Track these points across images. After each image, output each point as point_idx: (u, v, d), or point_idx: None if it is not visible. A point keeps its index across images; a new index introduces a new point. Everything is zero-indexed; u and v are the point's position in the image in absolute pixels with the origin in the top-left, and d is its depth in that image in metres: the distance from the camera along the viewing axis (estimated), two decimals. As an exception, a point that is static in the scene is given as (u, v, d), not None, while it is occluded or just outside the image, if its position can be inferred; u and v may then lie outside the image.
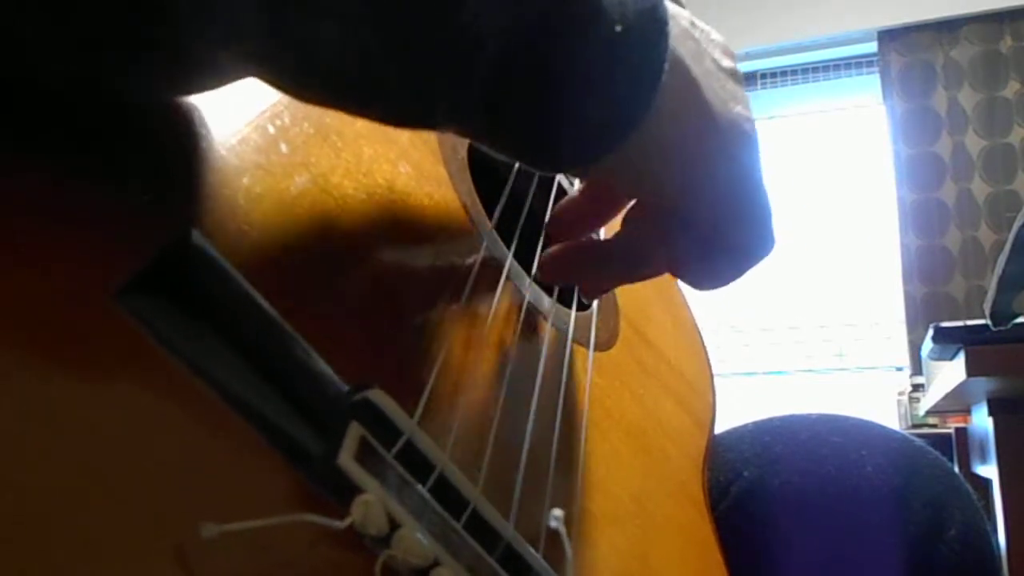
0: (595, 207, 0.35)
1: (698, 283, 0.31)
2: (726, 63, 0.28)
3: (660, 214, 0.30)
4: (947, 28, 2.62)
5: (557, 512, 0.26)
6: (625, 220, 0.33)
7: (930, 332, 0.95)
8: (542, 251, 0.37)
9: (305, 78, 0.19)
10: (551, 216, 0.36)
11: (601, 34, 0.21)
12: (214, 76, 0.22)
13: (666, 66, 0.23)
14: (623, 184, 0.27)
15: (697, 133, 0.25)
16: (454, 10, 0.18)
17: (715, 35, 0.28)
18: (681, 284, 0.56)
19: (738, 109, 0.27)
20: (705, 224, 0.28)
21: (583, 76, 0.21)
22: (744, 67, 2.78)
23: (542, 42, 0.20)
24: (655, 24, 0.22)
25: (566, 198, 0.36)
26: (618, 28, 0.21)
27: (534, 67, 0.20)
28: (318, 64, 0.19)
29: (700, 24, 0.27)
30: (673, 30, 0.23)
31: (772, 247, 0.30)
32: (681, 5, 0.29)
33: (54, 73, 0.20)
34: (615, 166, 0.24)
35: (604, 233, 0.40)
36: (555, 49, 0.20)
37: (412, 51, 0.18)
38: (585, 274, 0.36)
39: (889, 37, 2.68)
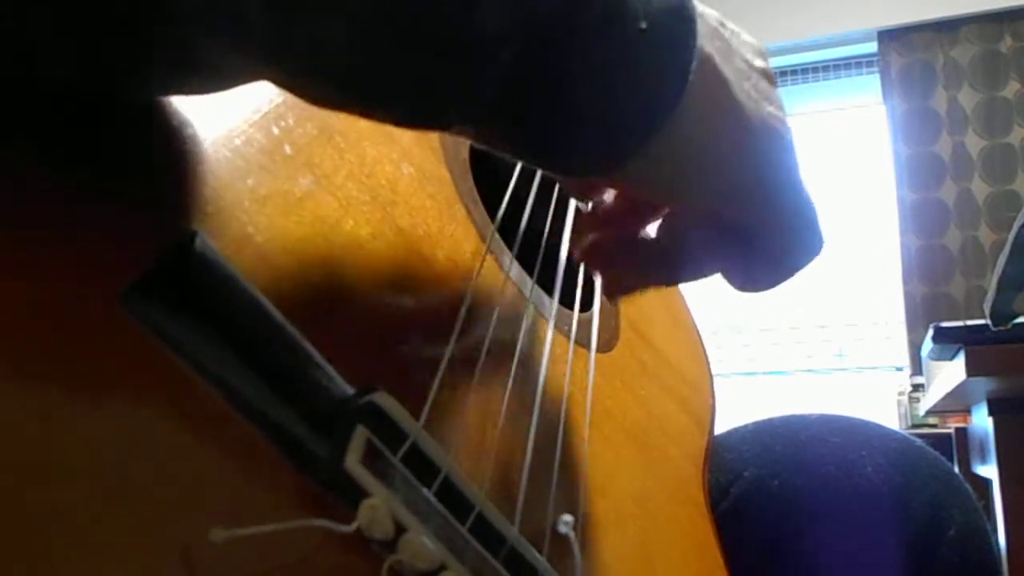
0: (632, 208, 0.33)
1: (743, 287, 0.30)
2: (758, 63, 0.26)
3: (695, 219, 0.29)
4: (947, 28, 2.62)
5: (567, 518, 0.26)
6: (664, 221, 0.32)
7: (930, 332, 0.95)
8: (548, 241, 0.36)
9: (315, 80, 0.19)
10: (584, 214, 0.34)
11: (624, 32, 0.20)
12: (223, 77, 0.21)
13: (694, 65, 0.22)
14: (651, 189, 0.26)
15: (728, 134, 0.24)
16: (469, 7, 0.17)
17: (746, 36, 0.27)
18: (683, 284, 0.56)
19: (771, 109, 0.26)
20: (743, 229, 0.27)
21: (605, 76, 0.20)
22: (744, 67, 2.77)
23: (561, 41, 0.19)
24: (682, 22, 0.21)
25: (599, 202, 0.34)
26: (642, 25, 0.20)
27: (552, 67, 0.19)
28: (328, 65, 0.18)
29: (730, 24, 0.26)
30: (701, 28, 0.22)
31: (820, 249, 0.28)
32: None
33: (60, 75, 0.20)
34: (642, 170, 0.23)
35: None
36: (575, 48, 0.19)
37: (425, 51, 0.18)
38: (622, 267, 0.33)
39: (889, 37, 2.68)
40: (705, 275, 0.31)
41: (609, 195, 0.33)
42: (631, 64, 0.20)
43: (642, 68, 0.21)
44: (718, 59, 0.24)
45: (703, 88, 0.23)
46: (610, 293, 0.35)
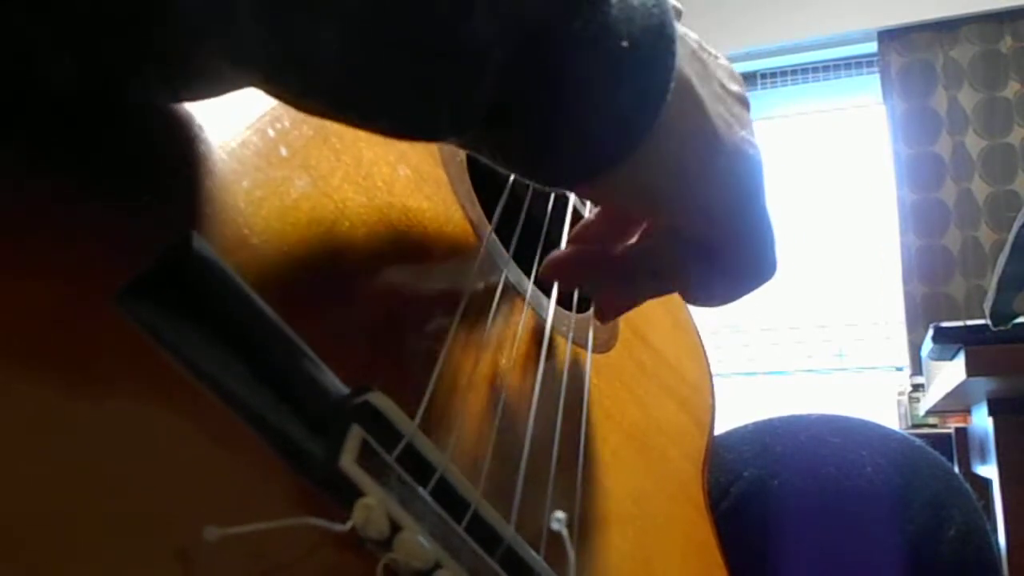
0: (613, 227, 0.35)
1: (697, 301, 0.31)
2: (733, 87, 0.28)
3: (662, 232, 0.30)
4: (947, 28, 2.62)
5: (559, 514, 0.27)
6: (640, 238, 0.33)
7: (930, 332, 0.96)
8: (545, 242, 0.37)
9: (308, 89, 0.19)
10: (569, 240, 0.36)
11: (607, 50, 0.20)
12: (216, 85, 0.21)
13: (672, 84, 0.23)
14: (623, 200, 0.27)
15: (700, 153, 0.25)
16: (460, 21, 0.18)
17: (723, 60, 0.28)
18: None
19: (743, 133, 0.27)
20: (705, 245, 0.28)
21: (587, 91, 0.21)
22: (744, 67, 2.78)
23: (547, 56, 0.20)
24: (662, 41, 0.22)
25: (584, 220, 0.35)
26: (624, 44, 0.21)
27: (538, 81, 0.20)
28: (321, 75, 0.18)
29: (708, 47, 0.27)
30: (680, 50, 0.23)
31: (772, 274, 0.30)
32: (680, 12, 0.29)
33: (57, 76, 0.20)
34: (617, 182, 0.24)
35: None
36: (560, 63, 0.20)
37: (416, 62, 0.18)
38: (591, 282, 0.35)
39: (889, 37, 2.68)
40: (667, 292, 0.34)
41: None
42: (612, 80, 0.21)
43: (622, 85, 0.21)
44: (695, 81, 0.25)
45: (679, 107, 0.24)
46: (602, 315, 0.37)
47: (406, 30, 0.18)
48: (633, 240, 0.34)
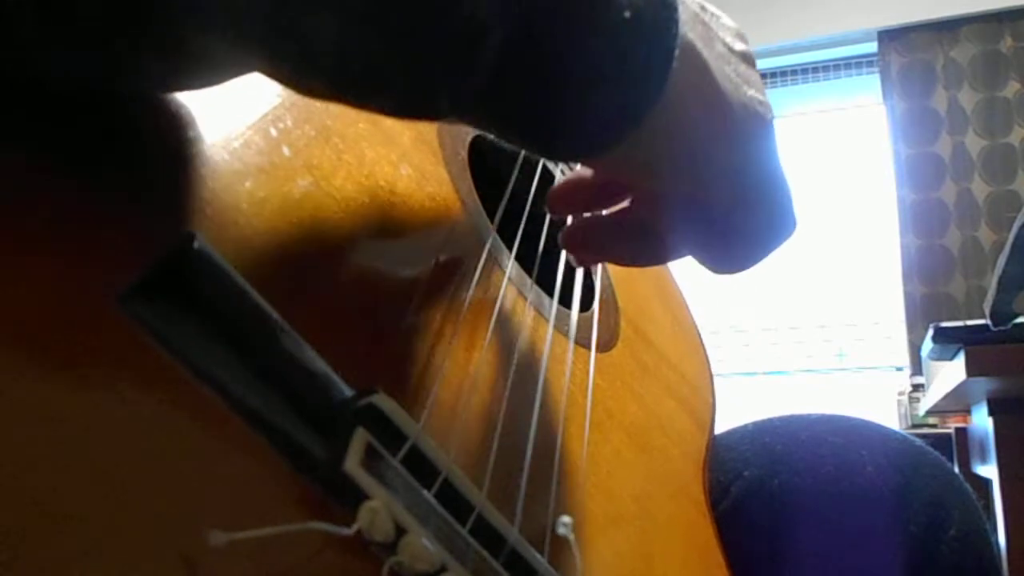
0: (603, 187, 0.33)
1: (717, 267, 0.30)
2: (738, 46, 0.27)
3: (674, 200, 0.29)
4: (947, 28, 2.62)
5: (566, 519, 0.26)
6: (640, 202, 0.32)
7: (930, 332, 0.95)
8: (547, 241, 0.36)
9: (305, 70, 0.19)
10: (554, 191, 0.34)
11: (609, 21, 0.20)
12: (214, 69, 0.21)
13: (676, 52, 0.22)
14: (634, 173, 0.26)
15: (710, 119, 0.25)
16: None
17: (726, 19, 0.27)
18: (679, 284, 0.56)
19: (751, 92, 0.26)
20: (721, 210, 0.27)
21: (591, 65, 0.20)
22: (744, 67, 2.78)
23: (547, 31, 0.19)
24: (665, 10, 0.21)
25: (571, 173, 0.34)
26: (627, 14, 0.20)
27: (539, 56, 0.20)
28: (319, 56, 0.18)
29: (710, 8, 0.27)
30: (683, 15, 0.23)
31: (793, 230, 0.29)
32: None
33: (55, 71, 0.20)
34: (625, 155, 0.24)
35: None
36: (561, 37, 0.19)
37: (414, 42, 0.18)
38: (600, 249, 0.35)
39: (889, 37, 2.69)
40: (678, 256, 0.32)
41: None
42: (617, 53, 0.21)
43: (627, 57, 0.21)
44: (699, 44, 0.24)
45: (685, 75, 0.23)
46: (581, 263, 0.36)
47: (403, 10, 0.18)
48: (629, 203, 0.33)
